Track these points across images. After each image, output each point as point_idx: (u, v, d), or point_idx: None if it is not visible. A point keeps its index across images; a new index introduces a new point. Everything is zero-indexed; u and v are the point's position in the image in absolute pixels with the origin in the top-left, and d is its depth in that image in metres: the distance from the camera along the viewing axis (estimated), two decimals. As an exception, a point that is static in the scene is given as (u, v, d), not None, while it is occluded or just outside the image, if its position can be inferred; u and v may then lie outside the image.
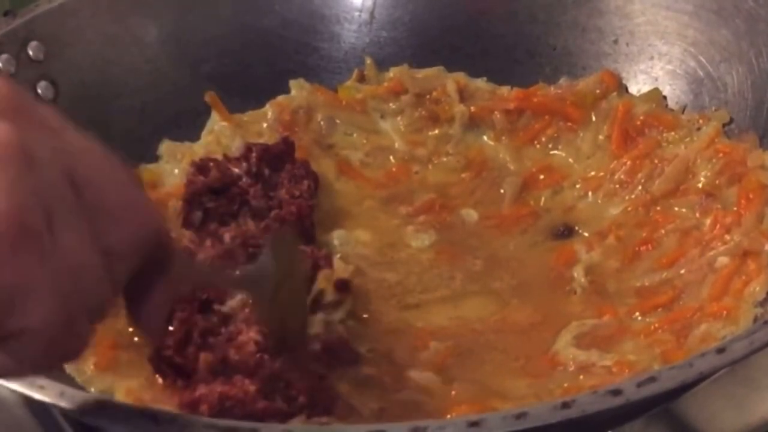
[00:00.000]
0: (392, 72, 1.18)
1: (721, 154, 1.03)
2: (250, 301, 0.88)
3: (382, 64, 1.19)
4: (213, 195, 1.03)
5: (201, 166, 1.04)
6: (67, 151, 0.62)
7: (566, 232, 1.05)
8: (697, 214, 1.01)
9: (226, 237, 0.97)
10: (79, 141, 0.64)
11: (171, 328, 0.89)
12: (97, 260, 0.62)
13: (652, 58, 1.14)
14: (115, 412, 0.72)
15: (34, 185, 0.58)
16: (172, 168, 1.10)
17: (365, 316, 0.97)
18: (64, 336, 0.61)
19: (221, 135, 1.13)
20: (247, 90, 1.16)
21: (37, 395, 0.76)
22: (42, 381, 0.77)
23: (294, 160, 1.07)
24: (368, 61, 1.20)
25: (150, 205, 0.67)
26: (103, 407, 0.73)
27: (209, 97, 1.14)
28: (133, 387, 0.88)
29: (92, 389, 0.89)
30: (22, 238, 0.57)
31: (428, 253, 1.04)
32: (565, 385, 0.89)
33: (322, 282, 0.94)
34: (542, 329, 0.95)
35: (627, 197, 1.06)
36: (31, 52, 1.07)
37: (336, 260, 0.97)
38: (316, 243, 1.01)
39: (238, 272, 0.87)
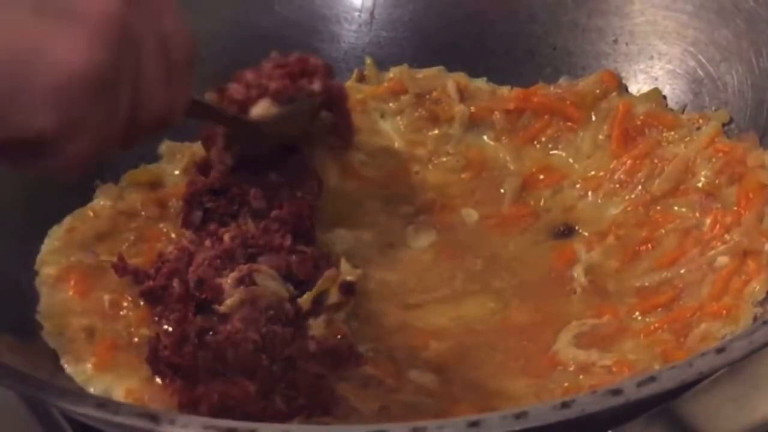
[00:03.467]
0: (392, 72, 1.18)
1: (720, 154, 1.03)
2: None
3: (382, 64, 1.19)
4: (213, 195, 1.03)
5: (203, 167, 1.04)
6: (162, 33, 0.75)
7: (566, 231, 1.05)
8: (697, 214, 1.01)
9: (226, 237, 0.97)
10: (174, 24, 0.76)
11: (168, 328, 0.90)
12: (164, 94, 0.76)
13: (651, 57, 1.14)
14: (114, 412, 0.72)
15: (127, 58, 0.71)
16: (172, 168, 1.10)
17: (366, 316, 0.97)
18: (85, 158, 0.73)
19: (221, 135, 1.13)
20: (248, 90, 1.16)
21: (37, 395, 0.76)
22: (42, 381, 0.77)
23: (302, 160, 1.07)
24: (368, 61, 1.20)
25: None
26: (103, 407, 0.73)
27: (209, 96, 1.14)
28: (132, 387, 0.89)
29: (92, 389, 0.89)
30: (101, 91, 0.69)
31: (429, 253, 1.04)
32: (565, 384, 0.89)
33: (326, 282, 0.94)
34: (542, 329, 0.95)
35: (627, 197, 1.06)
36: (31, 53, 1.07)
37: (343, 262, 0.97)
38: (316, 243, 1.01)
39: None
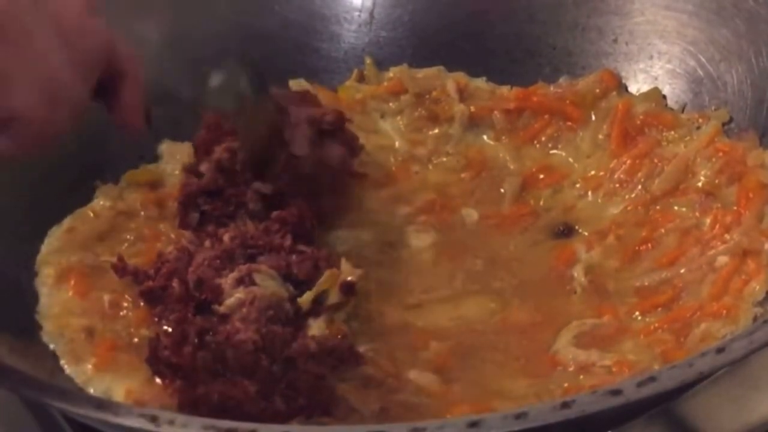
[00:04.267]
0: (392, 72, 1.18)
1: (720, 154, 1.03)
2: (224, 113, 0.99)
3: (382, 64, 1.19)
4: (208, 197, 1.03)
5: (193, 169, 1.04)
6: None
7: (566, 231, 1.05)
8: (697, 214, 1.01)
9: (225, 238, 0.97)
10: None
11: (168, 328, 0.90)
12: (67, 63, 0.78)
13: (651, 57, 1.14)
14: (114, 412, 0.72)
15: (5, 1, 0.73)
16: (172, 168, 1.10)
17: (366, 315, 0.97)
18: (48, 120, 0.77)
19: (221, 135, 1.13)
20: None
21: (37, 396, 0.76)
22: (42, 381, 0.77)
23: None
24: (368, 61, 1.20)
25: (102, 26, 0.83)
26: (102, 408, 0.73)
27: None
28: (132, 387, 0.89)
29: (91, 390, 0.89)
30: None
31: (429, 253, 1.04)
32: (565, 385, 0.89)
33: (327, 282, 0.94)
34: (542, 329, 0.95)
35: (627, 196, 1.06)
36: (30, 53, 1.07)
37: (343, 262, 0.97)
38: (315, 243, 1.01)
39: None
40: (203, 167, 1.03)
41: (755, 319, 0.89)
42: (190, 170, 1.04)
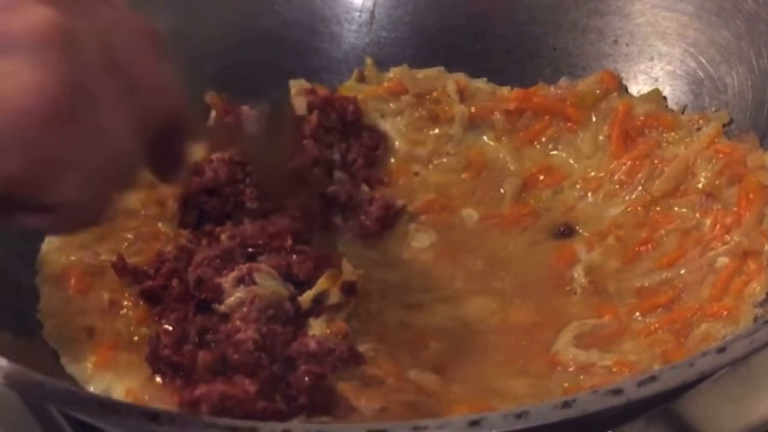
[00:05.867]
0: (392, 72, 1.18)
1: (721, 155, 1.03)
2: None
3: (383, 65, 1.19)
4: (208, 196, 1.03)
5: (195, 168, 1.04)
6: (105, 29, 0.67)
7: (566, 232, 1.05)
8: (697, 215, 1.01)
9: (223, 237, 0.97)
10: (115, 15, 0.69)
11: (168, 327, 0.90)
12: (131, 131, 0.68)
13: (652, 58, 1.14)
14: (114, 410, 0.72)
15: (74, 69, 0.63)
16: (171, 168, 1.10)
17: (366, 315, 0.97)
18: (101, 201, 0.69)
19: (221, 135, 1.13)
20: (247, 90, 1.16)
21: (38, 394, 0.76)
22: (43, 380, 0.77)
23: None
24: (368, 61, 1.20)
25: (170, 78, 0.73)
26: (103, 406, 0.73)
27: (209, 97, 1.14)
28: (132, 386, 0.89)
29: (92, 388, 0.89)
30: (61, 117, 0.62)
31: (429, 253, 1.04)
32: (566, 385, 0.89)
33: (327, 282, 0.93)
34: (542, 329, 0.95)
35: (627, 197, 1.06)
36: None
37: (344, 262, 0.97)
38: (315, 243, 1.01)
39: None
40: (215, 157, 1.03)
41: (756, 319, 0.89)
42: (192, 168, 1.04)
